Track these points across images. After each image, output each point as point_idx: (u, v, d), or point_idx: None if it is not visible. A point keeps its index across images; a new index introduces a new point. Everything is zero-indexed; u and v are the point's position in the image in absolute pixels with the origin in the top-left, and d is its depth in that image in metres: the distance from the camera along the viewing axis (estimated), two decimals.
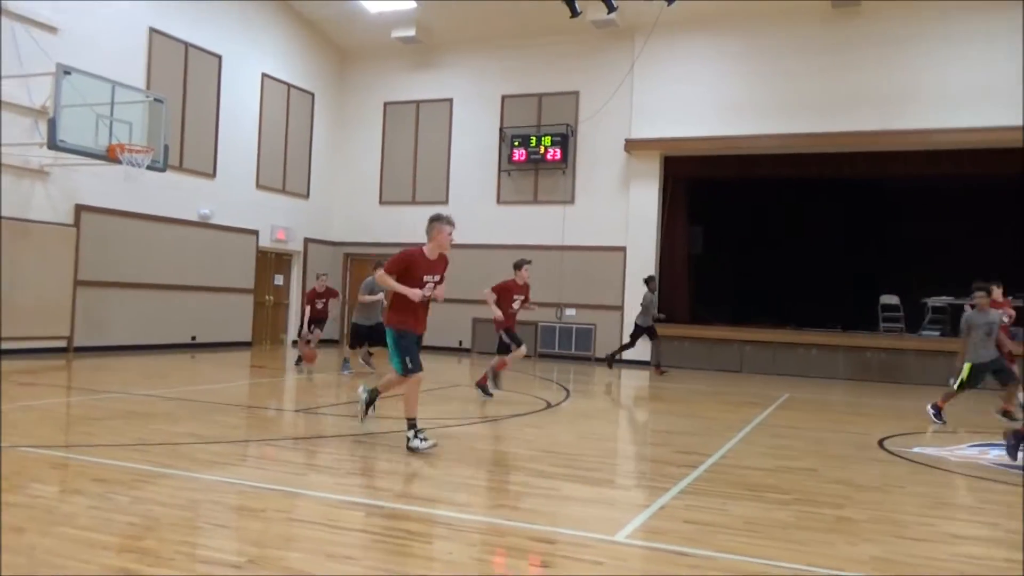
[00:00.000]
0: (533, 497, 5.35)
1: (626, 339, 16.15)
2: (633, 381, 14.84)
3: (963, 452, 7.72)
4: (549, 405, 10.31)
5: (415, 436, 6.60)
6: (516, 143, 18.75)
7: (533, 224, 18.67)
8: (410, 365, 6.61)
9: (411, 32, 18.98)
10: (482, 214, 19.10)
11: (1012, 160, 15.25)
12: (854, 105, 15.94)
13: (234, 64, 17.63)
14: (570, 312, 18.25)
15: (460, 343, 19.06)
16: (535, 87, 18.92)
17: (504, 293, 10.45)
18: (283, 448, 6.92)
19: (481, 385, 10.53)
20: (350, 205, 20.63)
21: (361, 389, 7.36)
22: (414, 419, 6.66)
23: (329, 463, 6.15)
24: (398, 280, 6.66)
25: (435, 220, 6.94)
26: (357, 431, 7.57)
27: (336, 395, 11.04)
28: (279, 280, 19.54)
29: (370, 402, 7.43)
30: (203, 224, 16.95)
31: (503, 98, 19.23)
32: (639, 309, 15.74)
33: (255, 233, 18.30)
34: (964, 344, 9.67)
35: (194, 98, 16.70)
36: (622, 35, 17.93)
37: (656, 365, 15.69)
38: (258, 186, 18.53)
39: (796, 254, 18.41)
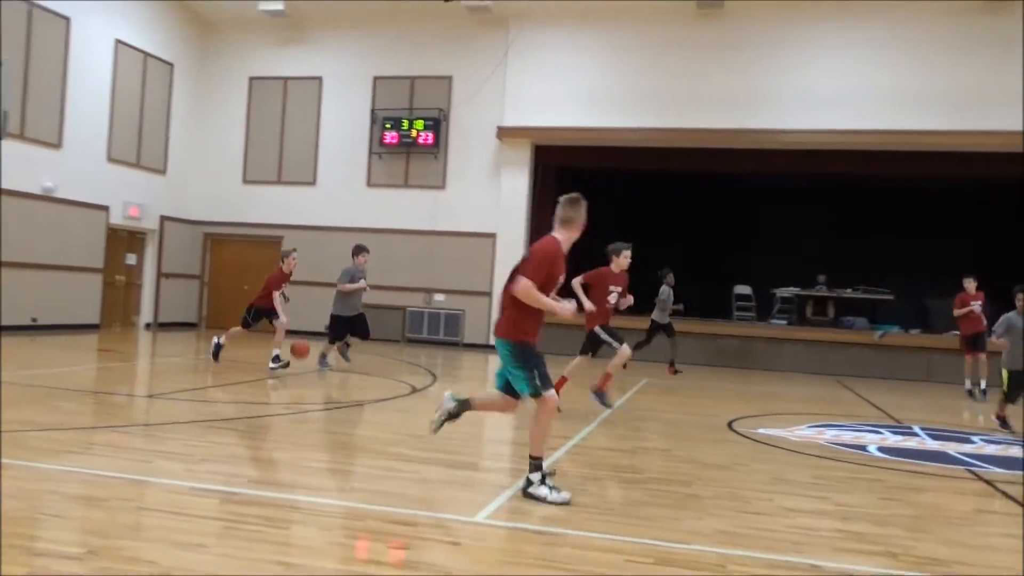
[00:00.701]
0: (394, 480, 5.33)
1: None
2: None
3: (802, 432, 8.25)
4: (415, 390, 10.28)
5: (541, 482, 4.98)
6: (388, 125, 18.51)
7: (404, 208, 18.52)
8: (540, 383, 5.07)
9: (279, 6, 18.35)
10: (351, 197, 18.77)
11: (857, 160, 16.36)
12: (715, 103, 16.63)
13: (84, 28, 16.50)
14: (439, 297, 18.25)
15: (327, 327, 18.66)
16: (408, 69, 18.72)
17: (599, 282, 8.87)
18: (131, 435, 6.58)
19: (600, 392, 8.97)
20: (211, 182, 19.77)
21: (448, 397, 5.61)
22: (541, 459, 5.06)
23: (180, 450, 5.89)
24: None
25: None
26: (209, 417, 7.30)
27: (193, 381, 10.60)
28: (131, 260, 18.52)
29: (455, 415, 5.61)
30: (46, 198, 15.82)
31: (375, 79, 18.93)
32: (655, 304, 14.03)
33: (105, 209, 17.24)
34: (1004, 346, 8.98)
35: (38, 62, 15.53)
36: (496, 22, 17.99)
37: (670, 363, 14.26)
38: (109, 159, 17.46)
39: (658, 244, 19.07)
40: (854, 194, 18.02)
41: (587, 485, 5.45)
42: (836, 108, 16.00)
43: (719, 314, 18.05)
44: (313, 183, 19.10)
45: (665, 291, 13.84)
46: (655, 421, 8.86)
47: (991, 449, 7.88)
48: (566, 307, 5.14)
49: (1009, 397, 8.95)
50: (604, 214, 19.14)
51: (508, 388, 5.32)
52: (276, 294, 11.35)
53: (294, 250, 11.84)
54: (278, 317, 11.34)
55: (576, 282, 8.74)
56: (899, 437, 8.35)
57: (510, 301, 5.20)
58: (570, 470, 5.91)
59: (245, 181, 19.69)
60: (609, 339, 8.79)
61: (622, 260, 8.98)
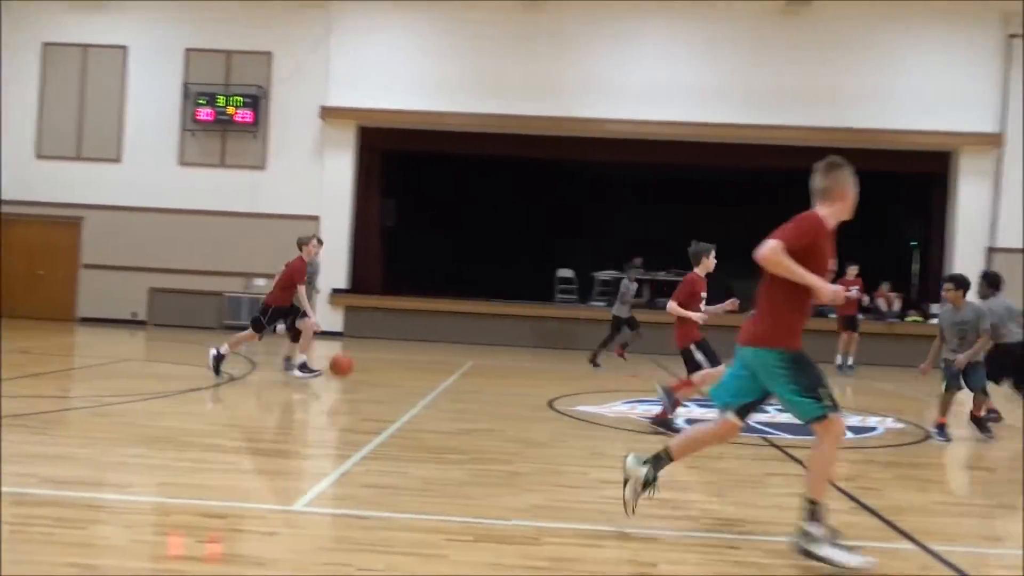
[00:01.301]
0: (207, 473, 5.11)
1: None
2: (324, 351, 14.71)
3: (617, 408, 8.67)
4: (233, 378, 9.87)
5: (829, 541, 3.79)
6: (202, 101, 17.53)
7: (220, 189, 17.64)
8: (831, 403, 3.89)
9: None
10: (162, 176, 17.64)
11: (671, 150, 17.24)
12: (540, 91, 16.97)
13: None
14: (259, 282, 17.57)
15: (134, 314, 17.53)
16: (223, 43, 17.79)
17: (691, 294, 7.69)
18: None
19: (662, 421, 7.56)
20: None
21: (633, 461, 4.28)
22: (820, 504, 3.86)
23: None
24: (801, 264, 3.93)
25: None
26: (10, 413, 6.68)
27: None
28: None
29: (652, 480, 4.25)
30: None
31: (187, 51, 17.85)
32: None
33: None
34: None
35: None
36: None
37: (623, 344, 13.97)
38: None
39: (484, 229, 19.35)
40: (669, 182, 19.03)
41: (408, 468, 5.46)
42: (653, 100, 16.78)
43: (542, 297, 18.56)
44: (118, 159, 17.79)
45: (626, 284, 13.95)
46: (480, 402, 9.00)
47: (783, 417, 8.59)
48: (829, 288, 3.88)
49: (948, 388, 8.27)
50: (433, 197, 19.38)
51: (744, 409, 4.24)
52: (301, 288, 9.84)
53: (314, 236, 10.57)
54: (303, 316, 9.91)
55: (672, 306, 7.70)
56: (704, 410, 8.94)
57: (767, 291, 4.07)
58: (392, 453, 5.90)
59: (39, 156, 18.04)
60: (704, 359, 7.61)
61: (710, 261, 7.89)
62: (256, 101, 17.50)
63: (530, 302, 17.81)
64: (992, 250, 16.39)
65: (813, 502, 3.85)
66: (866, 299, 15.42)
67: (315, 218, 17.52)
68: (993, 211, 16.49)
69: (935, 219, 17.41)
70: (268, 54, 17.75)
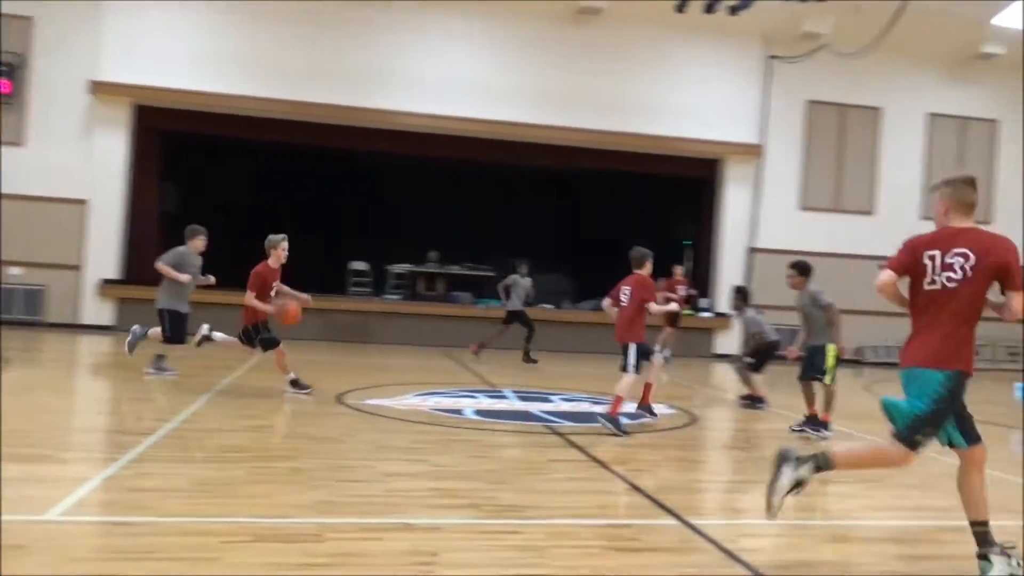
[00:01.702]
0: None
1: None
2: (92, 347, 13.56)
3: (408, 401, 8.67)
4: None
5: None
6: None
7: None
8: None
9: None
10: None
11: (466, 146, 17.42)
12: (334, 79, 16.53)
13: None
14: (16, 271, 15.88)
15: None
16: None
17: (653, 292, 7.94)
18: None
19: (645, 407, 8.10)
20: None
21: (791, 462, 3.89)
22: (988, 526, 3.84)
23: None
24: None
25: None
26: None
27: None
28: None
29: (801, 483, 3.92)
30: None
31: None
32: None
33: None
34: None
35: None
36: None
37: (480, 344, 14.12)
38: None
39: (273, 217, 18.57)
40: (463, 177, 19.25)
41: (182, 469, 5.16)
42: (449, 96, 16.88)
43: (334, 289, 18.18)
44: None
45: (514, 279, 14.02)
46: (265, 398, 8.67)
47: (566, 406, 9.00)
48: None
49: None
50: (220, 183, 18.35)
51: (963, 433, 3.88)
52: (269, 301, 8.72)
53: (284, 238, 9.00)
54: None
55: (656, 308, 7.79)
56: (492, 400, 9.17)
57: (955, 311, 3.75)
58: (165, 455, 5.54)
59: None
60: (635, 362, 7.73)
61: (651, 265, 8.04)
62: (13, 69, 15.78)
63: (321, 294, 17.36)
64: (753, 250, 18.04)
65: (980, 523, 3.85)
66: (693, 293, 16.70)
67: (82, 202, 16.10)
68: (754, 214, 18.15)
69: (705, 221, 18.89)
70: (29, 19, 16.05)
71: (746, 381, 9.98)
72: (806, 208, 18.38)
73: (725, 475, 6.62)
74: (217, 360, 11.04)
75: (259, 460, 5.58)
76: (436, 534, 4.10)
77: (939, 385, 3.68)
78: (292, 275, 9.79)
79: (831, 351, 7.63)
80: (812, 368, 7.86)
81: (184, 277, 9.54)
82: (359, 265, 18.65)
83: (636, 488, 5.26)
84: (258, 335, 8.79)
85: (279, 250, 8.87)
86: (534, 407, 8.71)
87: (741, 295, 10.23)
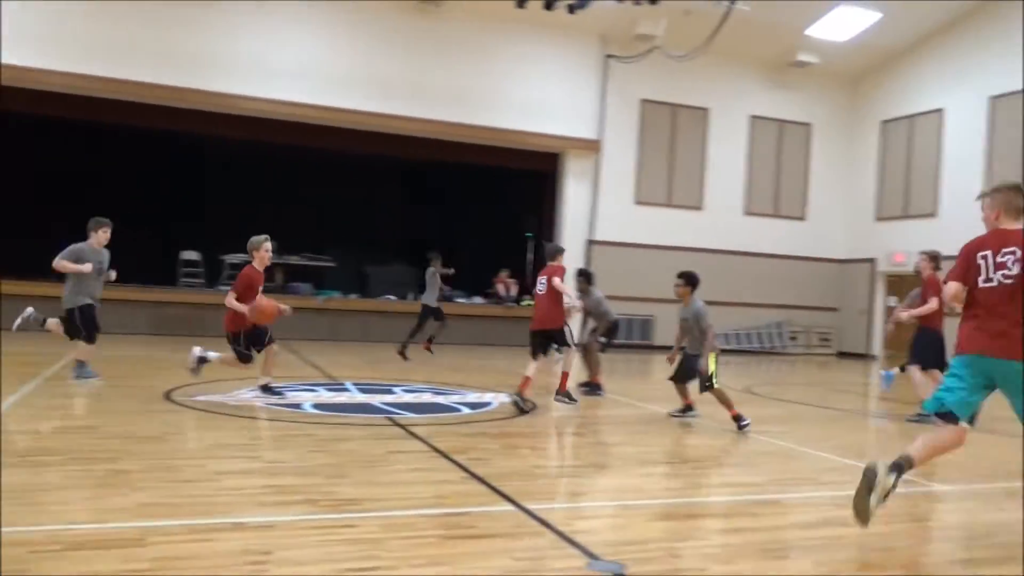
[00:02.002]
0: None
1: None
2: None
3: (243, 396, 8.35)
4: None
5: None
6: None
7: None
8: None
9: None
10: None
11: (305, 133, 16.91)
12: (159, 58, 15.59)
13: None
14: None
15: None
16: None
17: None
18: None
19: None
20: None
21: (880, 470, 4.19)
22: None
23: None
24: None
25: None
26: None
27: None
28: None
29: (888, 491, 4.29)
30: None
31: None
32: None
33: None
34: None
35: None
36: None
37: (429, 338, 14.02)
38: None
39: (92, 205, 17.30)
40: (302, 165, 18.72)
41: None
42: (291, 81, 16.34)
43: (164, 281, 17.23)
44: None
45: (432, 273, 13.79)
46: (82, 397, 8.10)
47: (408, 397, 8.98)
48: None
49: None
50: (28, 167, 16.82)
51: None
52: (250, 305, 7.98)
53: (266, 238, 8.40)
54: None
55: (559, 284, 8.50)
56: (332, 393, 9.00)
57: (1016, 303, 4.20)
58: None
59: None
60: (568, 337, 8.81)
61: (562, 258, 8.89)
62: None
63: (149, 286, 16.44)
64: (591, 242, 18.64)
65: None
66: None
67: None
68: (592, 208, 18.76)
69: (547, 213, 19.34)
70: None
71: (590, 367, 10.30)
72: (641, 203, 19.19)
73: (563, 460, 6.83)
74: (31, 355, 10.21)
75: (76, 463, 5.22)
76: (269, 532, 3.98)
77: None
78: (116, 263, 9.20)
79: (712, 358, 7.69)
80: (689, 375, 7.97)
81: (86, 267, 8.79)
82: (190, 255, 17.78)
83: (475, 476, 5.32)
84: (239, 343, 8.28)
85: (262, 251, 8.34)
86: (376, 399, 8.63)
87: (585, 277, 10.53)
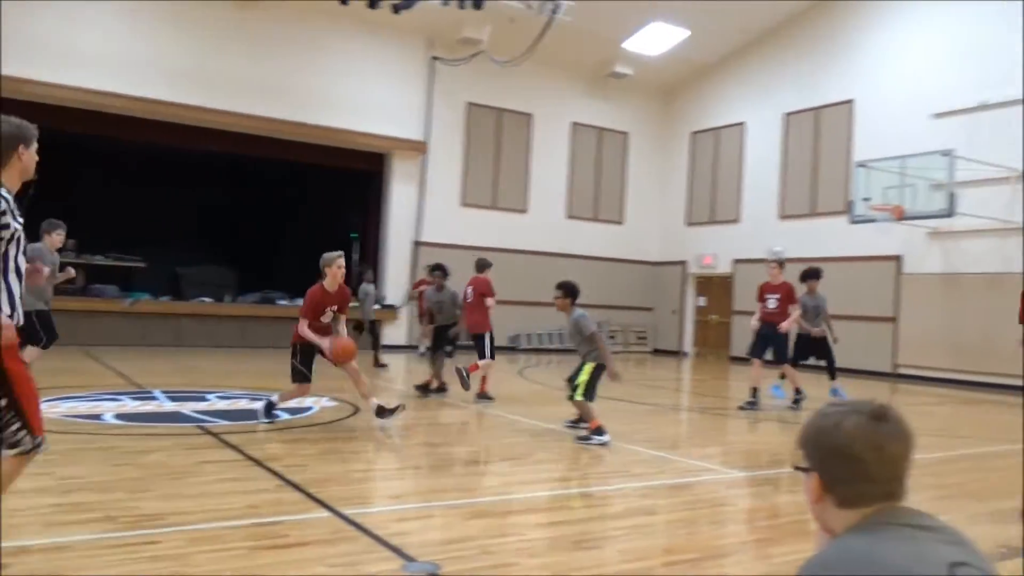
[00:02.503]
0: None
1: None
2: None
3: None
4: None
5: None
6: None
7: None
8: None
9: None
10: None
11: (110, 124, 15.72)
12: None
13: None
14: None
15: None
16: None
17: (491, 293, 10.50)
18: None
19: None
20: None
21: None
22: None
23: None
24: None
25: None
26: None
27: None
28: None
29: None
30: None
31: None
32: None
33: None
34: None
35: None
36: None
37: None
38: None
39: None
40: (106, 158, 17.49)
41: None
42: (103, 70, 15.17)
43: None
44: None
45: (364, 288, 13.60)
46: None
47: (222, 404, 8.59)
48: None
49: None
50: None
51: None
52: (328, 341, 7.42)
53: (340, 254, 7.60)
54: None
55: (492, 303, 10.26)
56: (138, 402, 8.46)
57: None
58: None
59: None
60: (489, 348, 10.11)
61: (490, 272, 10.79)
62: None
63: None
64: (418, 243, 18.62)
65: None
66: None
67: None
68: (419, 209, 18.74)
69: (372, 214, 19.12)
70: None
71: (437, 368, 10.34)
72: (467, 204, 19.38)
73: (382, 464, 6.77)
74: None
75: None
76: (61, 554, 3.69)
77: None
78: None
79: (586, 369, 7.53)
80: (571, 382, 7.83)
81: (45, 269, 7.61)
82: None
83: (290, 484, 5.18)
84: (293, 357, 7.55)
85: (335, 268, 7.52)
86: (186, 407, 8.20)
87: (442, 271, 10.53)
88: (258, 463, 5.74)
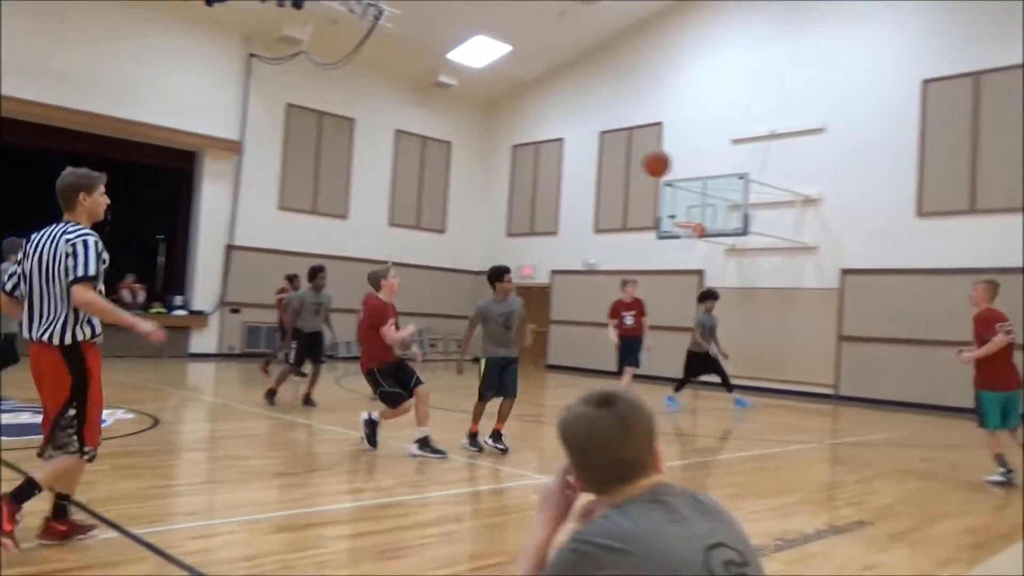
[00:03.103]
0: None
1: None
2: None
3: None
4: None
5: None
6: None
7: None
8: None
9: None
10: None
11: None
12: None
13: None
14: None
15: None
16: None
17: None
18: None
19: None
20: None
21: None
22: None
23: None
24: None
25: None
26: None
27: None
28: None
29: None
30: None
31: None
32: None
33: None
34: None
35: None
36: None
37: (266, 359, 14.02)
38: None
39: None
40: None
41: None
42: None
43: None
44: None
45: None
46: None
47: (5, 418, 7.80)
48: None
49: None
50: None
51: None
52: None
53: (390, 265, 7.71)
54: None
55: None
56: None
57: None
58: None
59: None
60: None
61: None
62: None
63: None
64: (231, 247, 17.78)
65: None
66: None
67: None
68: (232, 211, 17.92)
69: (181, 215, 18.09)
70: None
71: (279, 375, 10.36)
72: (285, 208, 18.77)
73: (182, 479, 6.39)
74: None
75: None
76: None
77: None
78: None
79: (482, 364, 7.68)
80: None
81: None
82: None
83: (74, 503, 4.77)
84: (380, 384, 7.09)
85: (390, 280, 7.47)
86: None
87: (288, 279, 10.60)
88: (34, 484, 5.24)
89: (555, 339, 20.06)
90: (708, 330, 12.06)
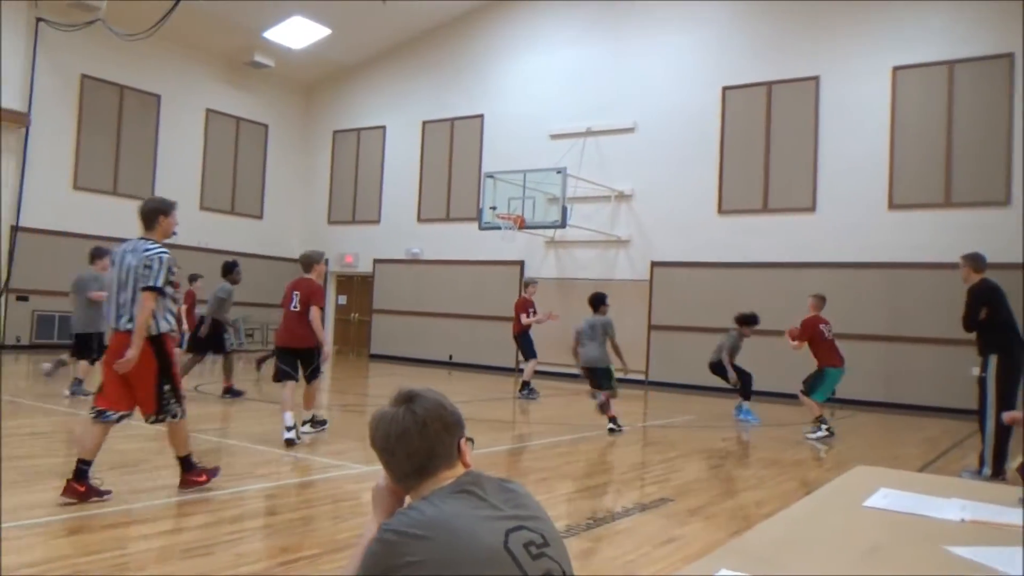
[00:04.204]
0: None
1: None
2: None
3: None
4: None
5: None
6: None
7: None
8: None
9: None
10: None
11: None
12: None
13: None
14: None
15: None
16: None
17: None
18: None
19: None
20: None
21: None
22: None
23: None
24: None
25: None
26: None
27: None
28: None
29: None
30: None
31: None
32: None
33: None
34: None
35: None
36: None
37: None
38: None
39: None
40: None
41: None
42: None
43: None
44: None
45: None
46: None
47: None
48: None
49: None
50: None
51: None
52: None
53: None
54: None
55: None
56: None
57: None
58: None
59: None
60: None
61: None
62: None
63: None
64: (17, 229, 16.20)
65: None
66: None
67: None
68: (18, 190, 16.32)
69: None
70: None
71: (229, 371, 10.51)
72: (81, 188, 17.33)
73: None
74: None
75: None
76: None
77: None
78: None
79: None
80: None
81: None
82: None
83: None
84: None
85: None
86: None
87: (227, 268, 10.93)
88: None
89: (378, 329, 19.85)
90: (734, 352, 11.14)
